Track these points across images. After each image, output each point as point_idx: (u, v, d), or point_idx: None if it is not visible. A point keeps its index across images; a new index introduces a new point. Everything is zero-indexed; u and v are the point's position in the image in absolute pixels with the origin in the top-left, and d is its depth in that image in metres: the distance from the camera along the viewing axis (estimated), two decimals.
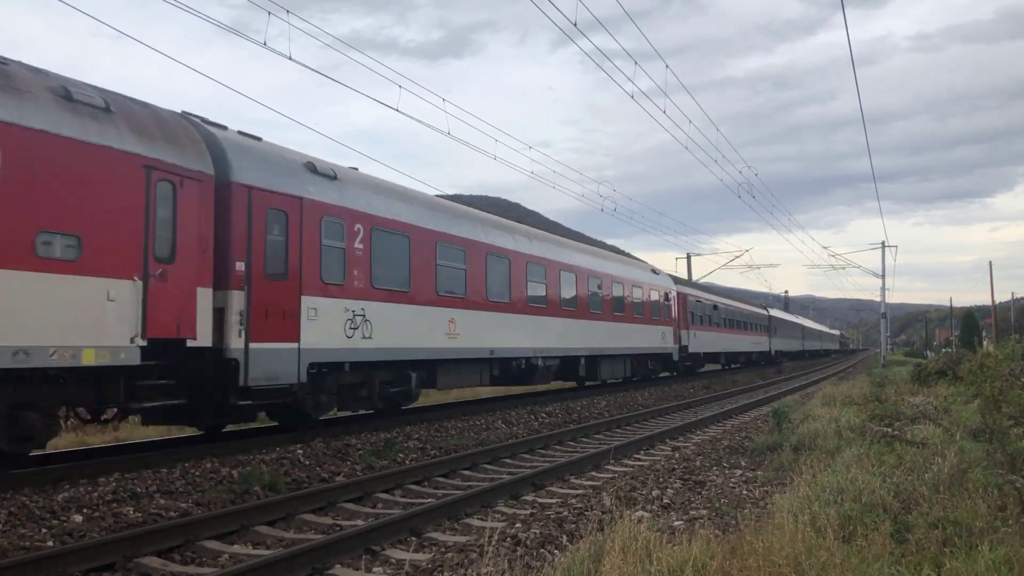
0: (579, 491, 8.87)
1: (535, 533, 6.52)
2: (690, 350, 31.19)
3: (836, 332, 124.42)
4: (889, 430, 9.76)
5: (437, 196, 18.49)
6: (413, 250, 14.28)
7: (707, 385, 28.15)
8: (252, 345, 10.58)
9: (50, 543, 6.58)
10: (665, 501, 7.92)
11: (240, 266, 10.59)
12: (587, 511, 7.33)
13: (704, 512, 7.26)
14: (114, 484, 8.60)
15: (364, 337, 12.85)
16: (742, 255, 51.68)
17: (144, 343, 9.18)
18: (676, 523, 6.69)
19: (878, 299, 50.56)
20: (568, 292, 20.94)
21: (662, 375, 30.29)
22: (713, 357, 38.61)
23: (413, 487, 9.27)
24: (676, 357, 29.70)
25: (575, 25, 13.73)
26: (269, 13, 12.70)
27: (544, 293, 19.54)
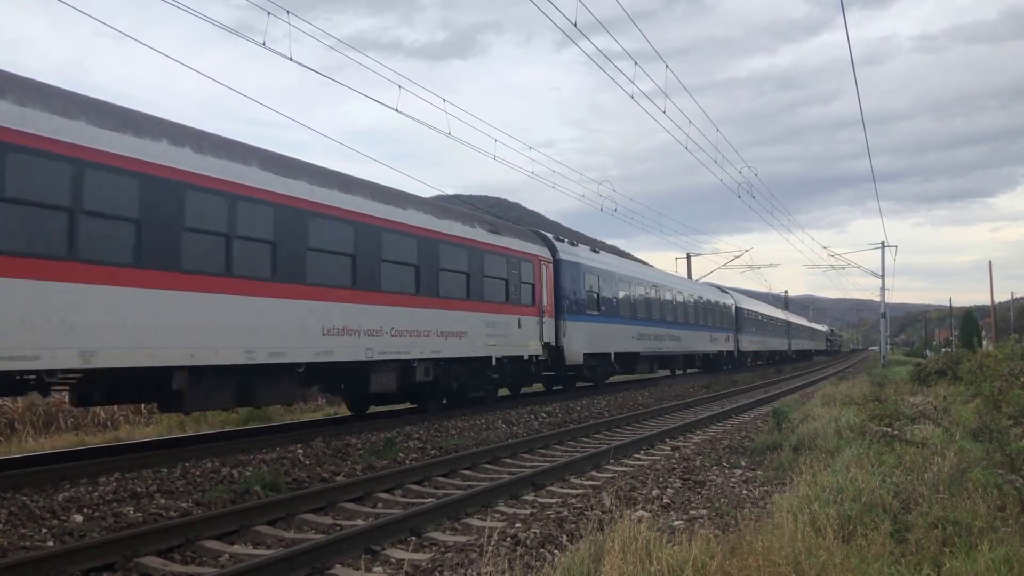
0: (579, 491, 8.87)
1: (535, 533, 6.52)
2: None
3: (822, 327, 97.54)
4: (889, 430, 9.76)
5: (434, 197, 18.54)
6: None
7: (707, 384, 28.15)
8: None
9: (50, 543, 6.58)
10: (665, 501, 7.93)
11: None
12: (587, 511, 7.33)
13: (704, 512, 7.26)
14: (114, 484, 8.61)
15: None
16: (742, 255, 51.56)
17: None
18: (676, 523, 6.69)
19: (878, 299, 50.56)
20: None
21: None
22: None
23: (413, 487, 9.28)
24: None
25: (575, 25, 13.73)
26: (269, 13, 12.70)
27: None
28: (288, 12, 12.88)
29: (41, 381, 9.12)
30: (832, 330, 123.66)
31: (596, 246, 25.41)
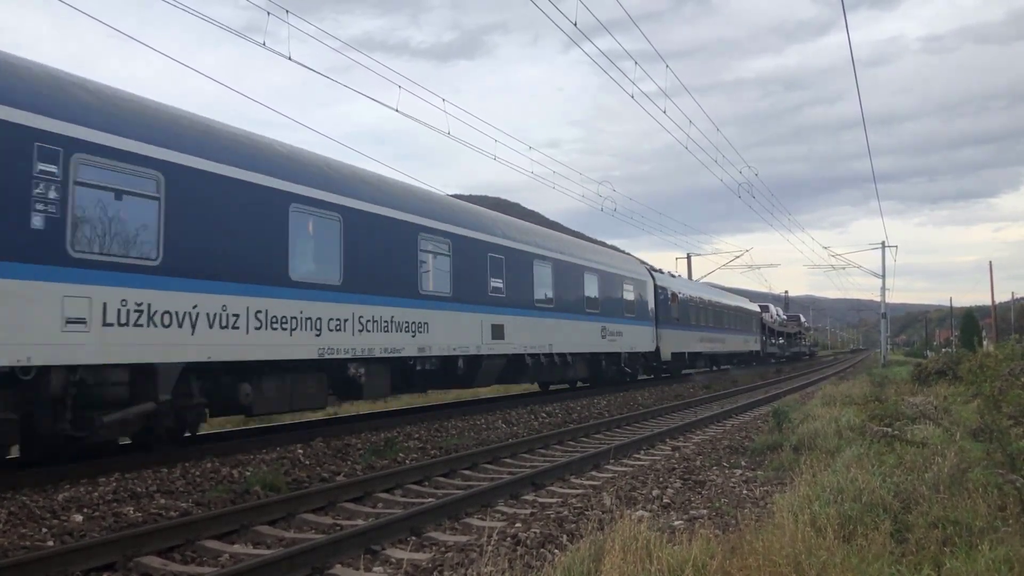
0: (579, 491, 8.87)
1: (535, 532, 6.52)
2: None
3: (749, 306, 47.21)
4: (889, 430, 9.76)
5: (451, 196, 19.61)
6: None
7: (707, 385, 28.16)
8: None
9: (50, 543, 6.58)
10: (665, 501, 7.92)
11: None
12: (587, 511, 7.33)
13: (704, 512, 7.26)
14: (114, 484, 8.60)
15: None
16: (742, 255, 51.47)
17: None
18: (676, 523, 6.69)
19: (878, 299, 50.54)
20: None
21: None
22: None
23: (413, 487, 9.28)
24: None
25: (575, 24, 13.73)
26: (269, 13, 12.70)
27: None
28: (287, 12, 12.88)
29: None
30: (800, 320, 68.62)
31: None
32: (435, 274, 15.18)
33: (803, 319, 75.10)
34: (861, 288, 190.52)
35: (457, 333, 15.55)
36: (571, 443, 13.16)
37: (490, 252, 17.06)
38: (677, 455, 11.31)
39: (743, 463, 10.37)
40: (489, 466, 10.78)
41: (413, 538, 6.77)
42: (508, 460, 11.31)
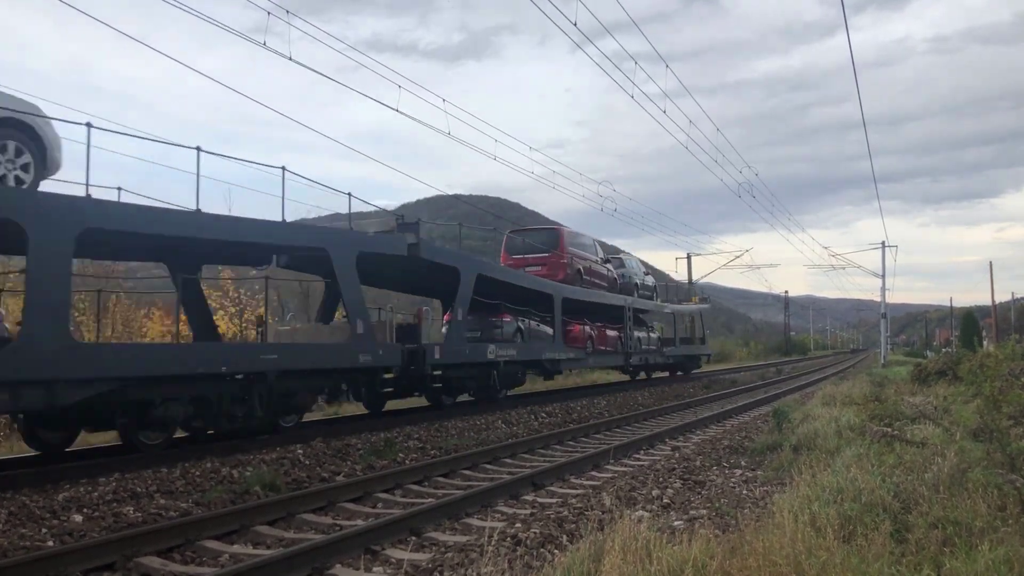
0: (579, 491, 8.87)
1: (535, 533, 6.52)
2: None
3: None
4: (889, 430, 9.75)
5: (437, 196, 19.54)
6: None
7: (707, 385, 28.18)
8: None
9: (50, 543, 6.58)
10: (665, 501, 7.92)
11: None
12: (587, 511, 7.32)
13: (704, 512, 7.26)
14: (114, 484, 8.61)
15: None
16: (742, 255, 51.13)
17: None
18: (676, 523, 6.69)
19: (878, 299, 50.49)
20: None
21: None
22: None
23: (413, 487, 9.28)
24: None
25: (575, 24, 13.72)
26: (269, 13, 12.68)
27: None
28: (288, 12, 12.85)
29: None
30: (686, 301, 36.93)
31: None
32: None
33: (642, 272, 31.65)
34: (861, 288, 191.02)
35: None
36: (571, 443, 13.16)
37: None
38: (677, 455, 11.30)
39: (743, 463, 10.36)
40: (489, 466, 10.78)
41: (413, 538, 6.77)
42: (508, 460, 11.31)
